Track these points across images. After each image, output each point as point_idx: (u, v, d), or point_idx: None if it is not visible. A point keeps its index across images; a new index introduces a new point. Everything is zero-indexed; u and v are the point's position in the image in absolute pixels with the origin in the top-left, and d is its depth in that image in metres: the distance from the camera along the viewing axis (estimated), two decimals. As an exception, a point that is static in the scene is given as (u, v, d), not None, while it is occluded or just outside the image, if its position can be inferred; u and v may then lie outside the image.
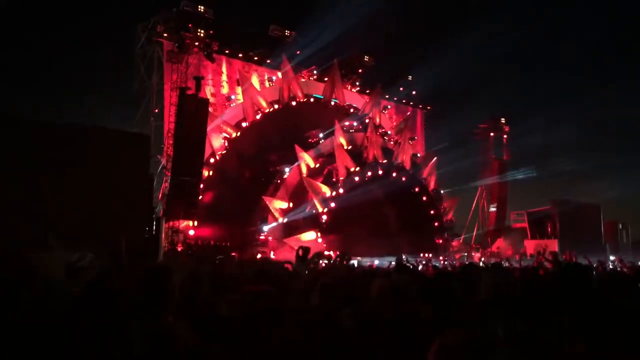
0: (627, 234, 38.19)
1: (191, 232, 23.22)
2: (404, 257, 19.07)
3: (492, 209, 37.00)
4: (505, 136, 37.65)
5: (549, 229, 33.62)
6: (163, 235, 20.86)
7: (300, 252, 9.39)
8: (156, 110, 25.70)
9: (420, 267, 16.03)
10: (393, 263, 16.24)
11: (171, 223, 21.88)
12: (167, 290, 2.91)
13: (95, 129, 16.74)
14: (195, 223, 23.36)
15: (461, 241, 34.42)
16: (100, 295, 3.03)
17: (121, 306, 2.95)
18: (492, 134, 37.43)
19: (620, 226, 37.81)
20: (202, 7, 23.94)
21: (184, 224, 23.00)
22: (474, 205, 38.12)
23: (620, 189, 35.58)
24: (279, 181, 27.08)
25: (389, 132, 34.51)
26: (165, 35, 25.17)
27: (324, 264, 12.94)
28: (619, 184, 35.92)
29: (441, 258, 27.18)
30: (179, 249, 21.17)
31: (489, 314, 3.34)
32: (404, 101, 37.65)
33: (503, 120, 37.39)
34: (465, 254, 30.45)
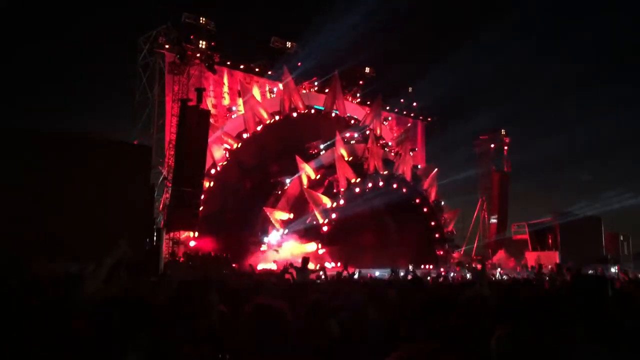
0: (629, 246, 38.12)
1: (192, 243, 23.18)
2: (410, 268, 19.04)
3: (493, 221, 36.93)
4: (505, 148, 37.68)
5: (550, 241, 33.55)
6: (164, 246, 20.87)
7: (300, 263, 9.45)
8: (160, 123, 25.77)
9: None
10: (394, 274, 16.23)
11: (172, 234, 21.87)
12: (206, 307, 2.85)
13: (96, 140, 16.80)
14: (196, 234, 23.34)
15: (462, 253, 34.33)
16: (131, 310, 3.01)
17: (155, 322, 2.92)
18: (492, 146, 37.46)
19: (622, 238, 37.75)
20: (203, 19, 24.11)
21: (184, 234, 22.99)
22: (474, 216, 38.12)
23: (622, 201, 35.52)
24: (279, 192, 27.08)
25: (390, 144, 34.53)
26: (167, 46, 25.31)
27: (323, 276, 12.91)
28: (621, 196, 35.87)
29: (442, 269, 27.11)
30: (180, 260, 21.14)
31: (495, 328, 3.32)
32: (404, 113, 37.72)
33: (503, 131, 37.45)
34: (467, 265, 30.32)
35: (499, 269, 27.32)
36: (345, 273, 12.36)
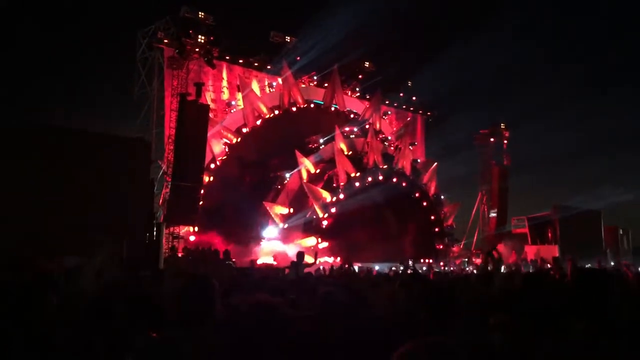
0: (628, 239, 38.17)
1: (192, 238, 23.20)
2: (410, 262, 19.05)
3: (493, 215, 36.96)
4: (505, 141, 37.65)
5: (550, 235, 33.60)
6: (164, 241, 20.87)
7: (296, 257, 9.50)
8: (159, 117, 25.72)
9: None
10: (394, 268, 16.27)
11: (172, 229, 21.88)
12: (209, 302, 2.84)
13: (96, 135, 16.76)
14: (196, 229, 23.35)
15: (462, 246, 34.37)
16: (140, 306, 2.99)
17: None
18: (492, 139, 37.43)
19: (621, 231, 37.80)
20: (202, 14, 24.03)
21: (184, 229, 22.99)
22: (474, 210, 38.13)
23: (621, 195, 35.55)
24: (279, 187, 27.09)
25: (389, 138, 34.51)
26: (165, 41, 25.27)
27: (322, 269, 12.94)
28: (620, 190, 35.89)
29: (442, 263, 27.16)
30: (180, 255, 21.15)
31: (493, 321, 3.32)
32: (404, 107, 37.68)
33: (503, 125, 37.41)
34: (466, 259, 30.40)
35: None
36: (346, 266, 12.39)
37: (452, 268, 24.86)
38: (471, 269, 24.22)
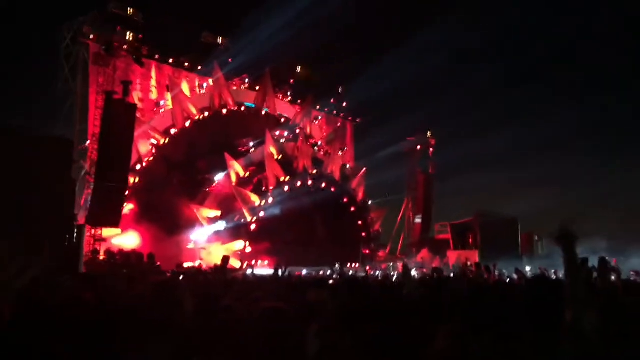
0: (543, 246, 40.03)
1: (115, 241, 22.48)
2: (337, 266, 19.31)
3: (418, 220, 37.92)
4: (431, 149, 38.74)
5: (471, 240, 34.77)
6: (85, 244, 20.11)
7: (221, 262, 9.45)
8: (82, 115, 24.75)
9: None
10: (321, 272, 16.41)
11: (94, 231, 21.14)
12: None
13: (13, 131, 15.98)
14: (120, 231, 22.66)
15: (387, 251, 35.09)
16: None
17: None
18: (418, 147, 38.44)
19: (537, 238, 39.61)
20: (131, 10, 23.42)
21: (107, 232, 22.25)
22: (400, 216, 39.00)
23: (536, 202, 37.24)
24: (208, 189, 26.76)
25: (320, 143, 34.82)
26: (91, 36, 24.38)
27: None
28: (535, 197, 37.60)
29: (367, 268, 27.60)
30: (101, 259, 20.44)
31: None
32: (334, 112, 38.07)
33: (429, 134, 38.49)
34: (391, 264, 31.03)
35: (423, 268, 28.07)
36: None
37: (378, 272, 25.34)
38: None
